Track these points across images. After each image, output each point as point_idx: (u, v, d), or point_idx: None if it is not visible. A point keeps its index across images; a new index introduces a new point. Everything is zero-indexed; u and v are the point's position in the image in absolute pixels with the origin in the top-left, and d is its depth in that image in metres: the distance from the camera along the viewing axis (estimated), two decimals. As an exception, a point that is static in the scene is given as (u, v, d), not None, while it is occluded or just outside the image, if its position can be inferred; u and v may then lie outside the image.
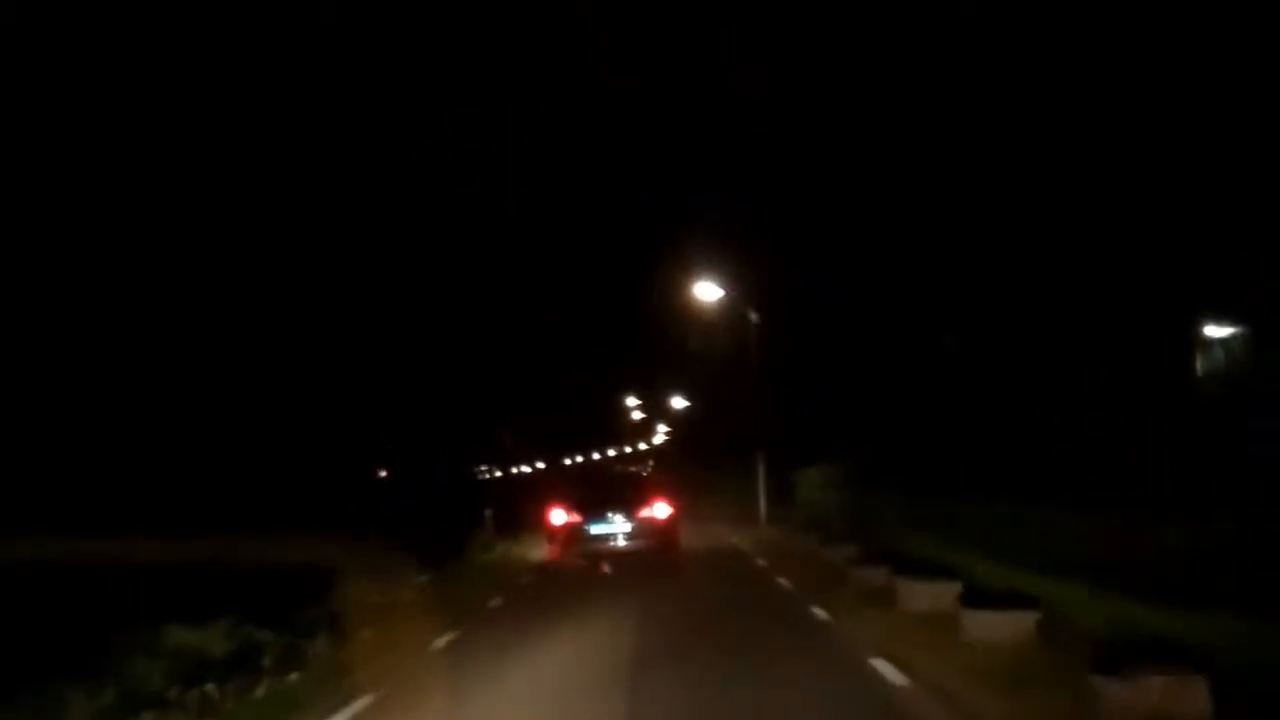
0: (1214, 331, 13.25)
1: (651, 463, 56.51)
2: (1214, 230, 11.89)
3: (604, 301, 49.83)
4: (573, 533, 16.53)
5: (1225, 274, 12.09)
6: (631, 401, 71.89)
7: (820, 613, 11.20)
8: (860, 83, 17.62)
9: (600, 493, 17.16)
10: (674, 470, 39.07)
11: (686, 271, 28.00)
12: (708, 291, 27.36)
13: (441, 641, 10.61)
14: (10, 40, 17.68)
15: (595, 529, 16.36)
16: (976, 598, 9.42)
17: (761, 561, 17.47)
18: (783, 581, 14.30)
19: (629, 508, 16.42)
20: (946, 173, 17.02)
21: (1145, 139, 12.44)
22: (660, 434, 76.75)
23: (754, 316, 26.50)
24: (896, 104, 16.64)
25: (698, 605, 12.76)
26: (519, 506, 29.36)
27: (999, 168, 15.39)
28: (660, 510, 16.54)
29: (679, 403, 57.18)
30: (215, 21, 22.88)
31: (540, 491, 34.26)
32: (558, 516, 16.83)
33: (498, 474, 76.39)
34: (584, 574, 16.24)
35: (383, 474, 53.42)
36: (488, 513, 25.19)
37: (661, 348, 45.91)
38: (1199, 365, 13.59)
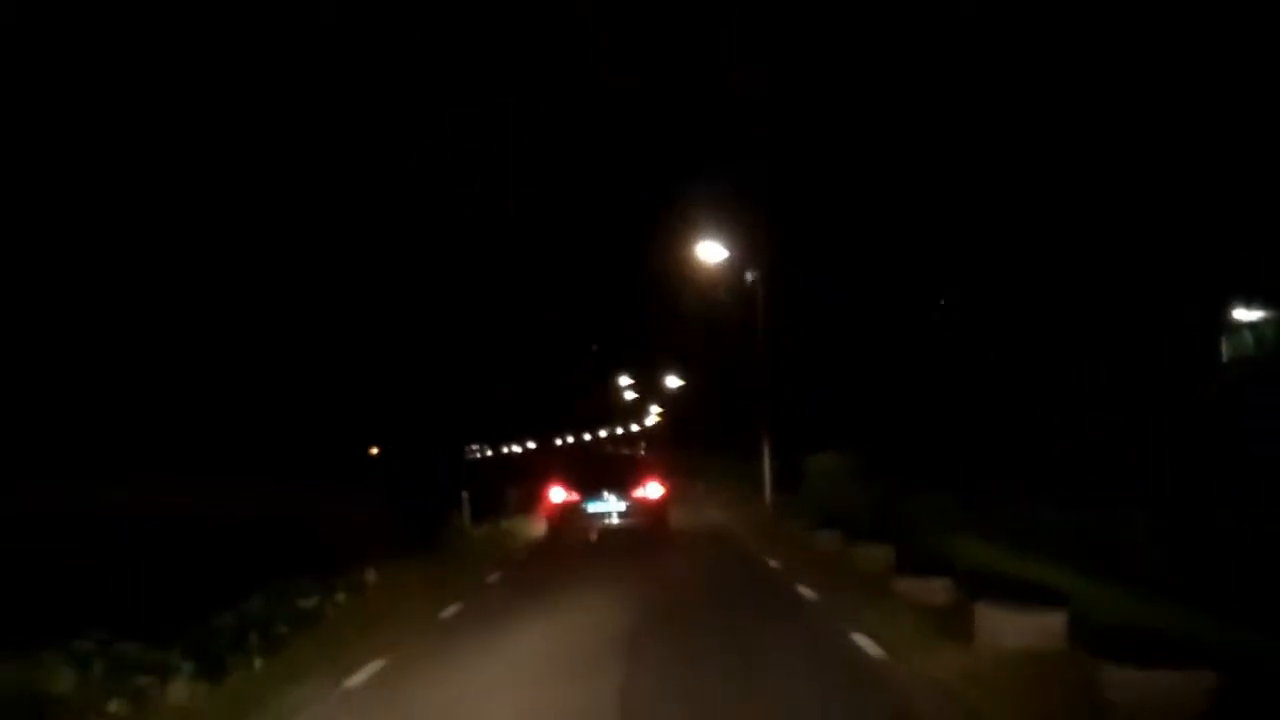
0: (1243, 315, 13.15)
1: (643, 444, 55.77)
2: (1214, 230, 11.90)
3: (600, 277, 49.39)
4: (570, 510, 17.22)
5: (1251, 257, 11.88)
6: (624, 381, 70.79)
7: (868, 644, 8.25)
8: (860, 83, 17.62)
9: (596, 473, 17.81)
10: (667, 452, 38.67)
11: (688, 236, 25.42)
12: (711, 252, 24.58)
13: (356, 678, 7.80)
14: (10, 40, 17.69)
15: (591, 507, 17.05)
16: (1104, 638, 6.70)
17: (774, 562, 14.34)
18: (806, 592, 11.36)
19: (623, 488, 17.15)
20: (946, 173, 17.02)
21: (1145, 139, 12.45)
22: (653, 414, 76.34)
23: (753, 277, 23.93)
24: (896, 104, 16.64)
25: (697, 625, 9.76)
26: (502, 486, 27.70)
27: (999, 168, 15.40)
28: (653, 490, 17.31)
29: (673, 382, 55.71)
30: (215, 21, 22.89)
31: (528, 470, 34.17)
32: (557, 494, 17.49)
33: (488, 453, 75.71)
34: (561, 572, 14.16)
35: (374, 451, 52.80)
36: (464, 495, 22.42)
37: (658, 321, 45.52)
38: (1225, 350, 13.45)
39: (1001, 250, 15.49)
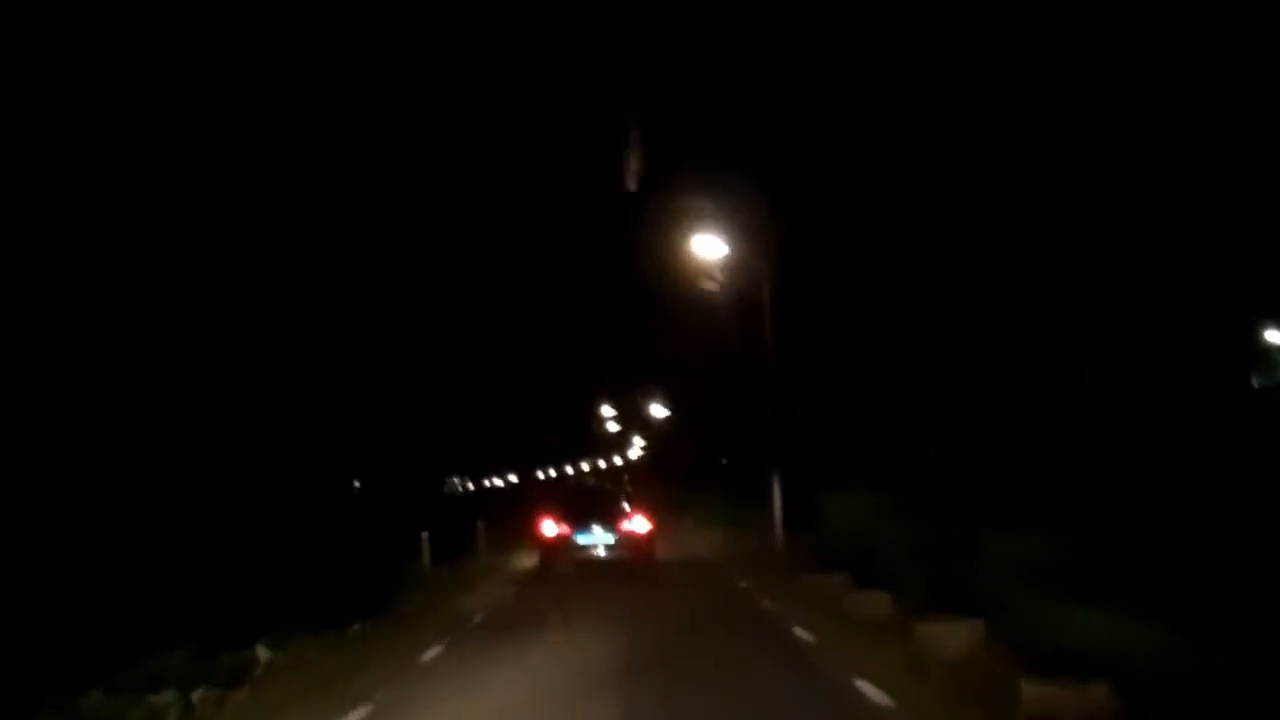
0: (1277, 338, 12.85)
1: (627, 478, 54.96)
2: (1214, 230, 11.90)
3: (588, 284, 48.42)
4: (561, 542, 18.22)
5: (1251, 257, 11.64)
6: (607, 411, 68.49)
7: None
8: (860, 83, 17.63)
9: (586, 507, 18.89)
10: (652, 485, 38.37)
11: (680, 238, 21.64)
12: (708, 247, 20.52)
13: None
14: (10, 40, 17.69)
15: (581, 540, 18.12)
16: None
17: (806, 634, 10.66)
18: (876, 696, 7.68)
19: (611, 522, 18.25)
20: (946, 173, 17.02)
21: (1145, 139, 12.44)
22: (636, 447, 75.38)
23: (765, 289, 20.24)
24: (896, 104, 16.65)
25: None
26: (473, 522, 25.21)
27: (999, 168, 15.39)
28: (640, 525, 18.40)
29: (659, 412, 53.64)
30: (215, 21, 22.90)
31: (505, 504, 33.61)
32: (549, 528, 18.43)
33: (469, 486, 74.39)
34: (522, 644, 11.18)
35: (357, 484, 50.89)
36: (424, 535, 19.70)
37: (645, 336, 44.61)
38: (1256, 377, 12.99)
39: (1001, 250, 15.48)
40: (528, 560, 20.92)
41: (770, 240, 20.32)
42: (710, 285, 21.84)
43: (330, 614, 12.54)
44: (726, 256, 20.70)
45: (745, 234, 20.41)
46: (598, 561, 17.88)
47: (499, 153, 35.47)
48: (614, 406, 67.60)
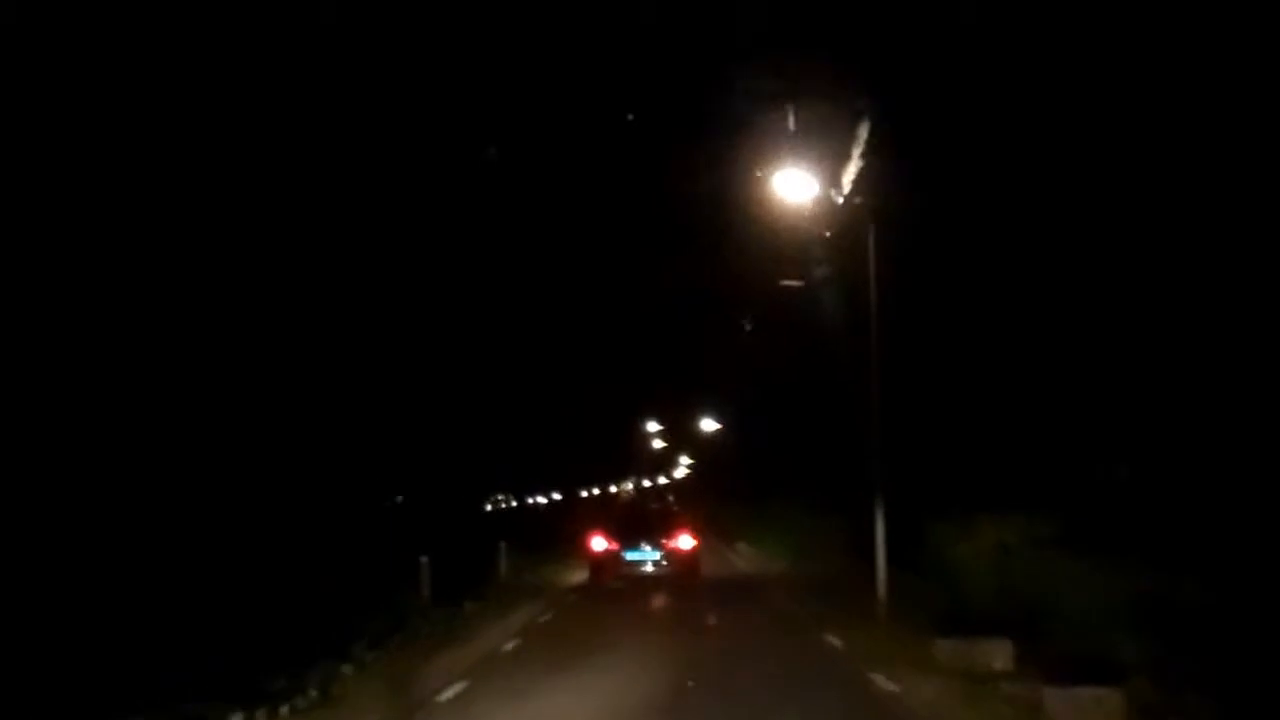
0: None
1: (672, 498, 53.50)
2: (1213, 230, 11.91)
3: (637, 304, 45.52)
4: (611, 557, 19.27)
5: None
6: (652, 427, 65.15)
7: None
8: (859, 82, 17.62)
9: (634, 524, 19.98)
10: (699, 504, 37.65)
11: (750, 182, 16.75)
12: (796, 186, 15.25)
13: None
14: (10, 40, 17.71)
15: (630, 555, 19.23)
16: None
17: None
18: None
19: (659, 539, 19.32)
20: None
21: (1145, 139, 12.45)
22: (682, 466, 74.35)
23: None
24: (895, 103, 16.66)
25: None
26: (493, 544, 22.69)
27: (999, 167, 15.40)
28: (685, 542, 19.46)
29: (709, 426, 51.24)
30: (215, 21, 22.90)
31: (539, 523, 33.04)
32: (598, 543, 19.50)
33: (513, 504, 73.06)
34: None
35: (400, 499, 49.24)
36: (424, 560, 16.43)
37: (693, 347, 42.54)
38: None
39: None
40: (562, 581, 20.83)
41: (877, 183, 15.33)
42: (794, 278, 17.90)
43: (238, 685, 9.04)
44: (817, 199, 15.52)
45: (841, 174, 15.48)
46: (645, 577, 18.80)
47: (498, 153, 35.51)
48: (660, 422, 64.05)
